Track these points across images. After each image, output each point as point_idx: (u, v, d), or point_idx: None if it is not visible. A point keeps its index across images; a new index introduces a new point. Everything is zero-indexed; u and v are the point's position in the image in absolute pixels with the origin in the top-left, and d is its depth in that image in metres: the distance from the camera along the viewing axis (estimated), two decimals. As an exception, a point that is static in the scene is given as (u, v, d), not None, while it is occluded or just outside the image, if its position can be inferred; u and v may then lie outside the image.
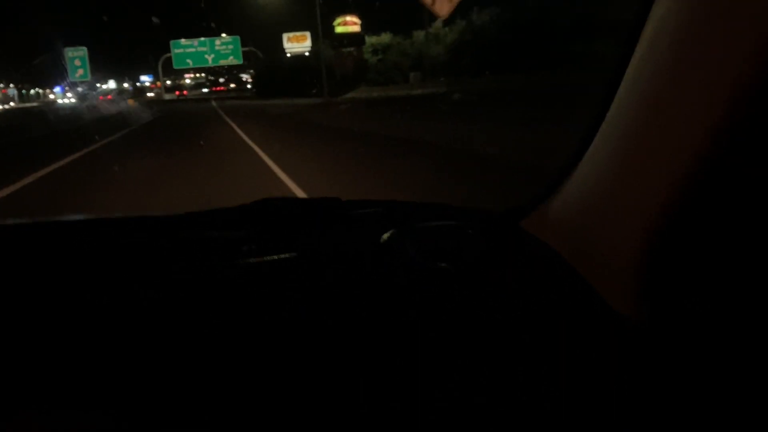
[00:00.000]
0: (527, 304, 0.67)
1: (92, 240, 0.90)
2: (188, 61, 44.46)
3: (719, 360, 0.54)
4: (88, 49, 44.84)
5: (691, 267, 0.56)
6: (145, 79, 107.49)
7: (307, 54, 40.60)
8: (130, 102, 44.61)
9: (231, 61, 47.46)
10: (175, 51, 43.64)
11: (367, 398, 0.55)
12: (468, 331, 0.63)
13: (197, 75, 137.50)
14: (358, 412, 0.54)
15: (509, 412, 0.54)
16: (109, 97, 54.51)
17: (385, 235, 0.84)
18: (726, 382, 0.53)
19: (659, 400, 0.54)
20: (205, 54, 44.53)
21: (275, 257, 0.80)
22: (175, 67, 47.33)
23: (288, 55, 41.96)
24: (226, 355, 0.60)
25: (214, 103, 34.68)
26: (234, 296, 0.71)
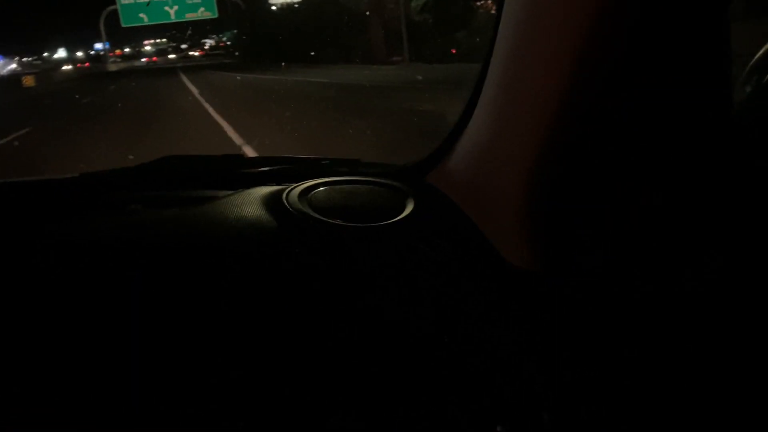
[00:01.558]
0: (430, 257, 0.69)
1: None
2: (142, 15, 31.73)
3: (612, 309, 0.57)
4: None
5: (573, 219, 0.59)
6: (100, 47, 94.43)
7: (297, 5, 30.65)
8: (27, 82, 27.67)
9: (202, 14, 32.72)
10: (123, 1, 30.51)
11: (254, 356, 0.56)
12: (368, 286, 0.64)
13: (159, 40, 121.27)
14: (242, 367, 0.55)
15: (409, 365, 0.56)
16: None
17: (284, 192, 0.82)
18: (618, 329, 0.56)
19: (554, 348, 0.57)
20: (166, 5, 31.24)
21: (161, 216, 0.80)
22: (124, 24, 32.32)
23: (273, 7, 33.09)
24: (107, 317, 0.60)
25: (185, 80, 20.73)
26: (115, 258, 0.69)
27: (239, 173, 0.97)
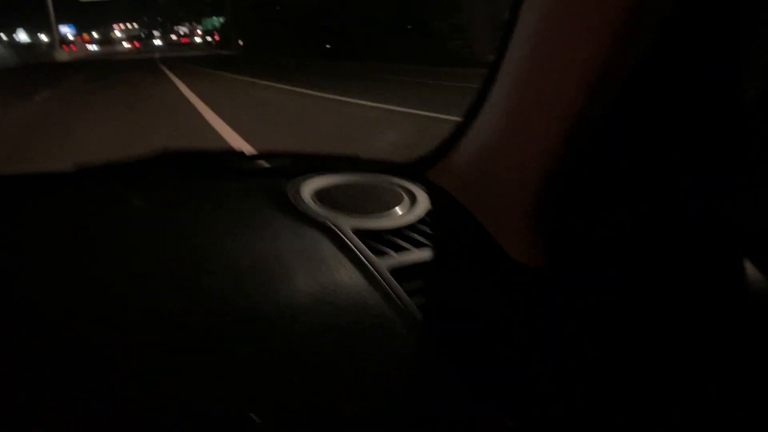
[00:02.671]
0: (434, 255, 0.70)
1: None
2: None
3: (615, 307, 0.58)
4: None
5: (579, 214, 0.60)
6: (66, 31, 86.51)
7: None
8: None
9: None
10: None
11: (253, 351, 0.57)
12: (373, 279, 0.66)
13: (129, 26, 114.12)
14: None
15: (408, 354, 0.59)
16: None
17: (289, 186, 0.84)
18: (622, 327, 0.58)
19: (559, 343, 0.59)
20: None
21: (167, 215, 0.81)
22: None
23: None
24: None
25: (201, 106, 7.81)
26: (119, 252, 0.71)
27: (239, 168, 0.97)
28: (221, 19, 52.77)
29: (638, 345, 0.57)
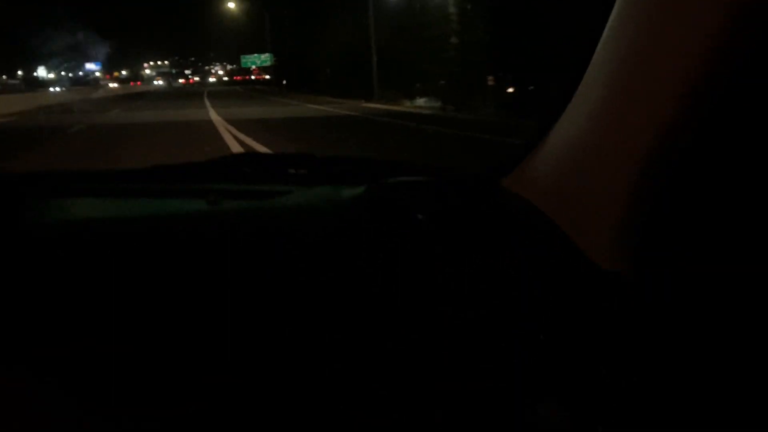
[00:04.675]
0: (511, 261, 0.69)
1: (57, 191, 0.95)
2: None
3: (703, 319, 0.57)
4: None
5: (676, 223, 0.59)
6: (92, 68, 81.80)
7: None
8: None
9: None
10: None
11: (342, 356, 0.59)
12: (448, 289, 0.65)
13: (160, 63, 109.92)
14: (331, 370, 0.58)
15: (492, 372, 0.59)
16: None
17: (361, 189, 0.85)
18: (710, 342, 0.57)
19: (646, 354, 0.58)
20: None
21: (238, 206, 0.85)
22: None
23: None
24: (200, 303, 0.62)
25: None
26: (205, 246, 0.72)
27: (309, 172, 0.98)
28: (262, 57, 51.02)
29: (729, 358, 0.55)
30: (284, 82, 35.83)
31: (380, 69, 20.17)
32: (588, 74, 0.64)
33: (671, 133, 0.52)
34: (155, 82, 74.86)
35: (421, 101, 17.65)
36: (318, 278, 0.64)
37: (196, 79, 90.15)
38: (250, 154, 1.21)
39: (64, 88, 39.02)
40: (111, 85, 60.06)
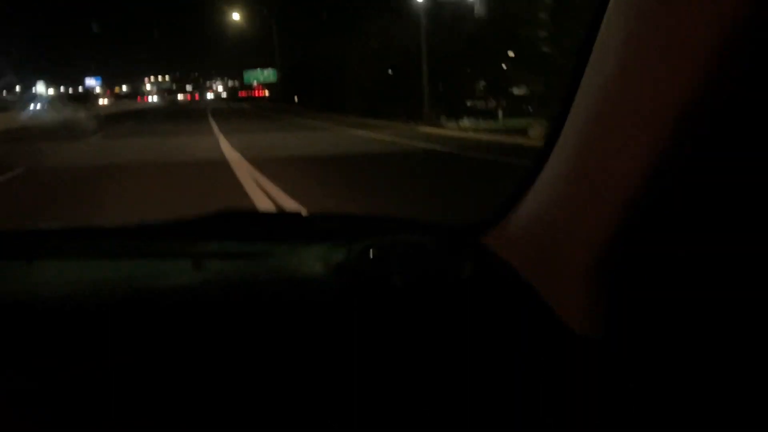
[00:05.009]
0: (483, 325, 0.70)
1: (50, 249, 0.97)
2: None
3: (680, 377, 0.58)
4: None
5: (650, 284, 0.58)
6: (92, 84, 79.19)
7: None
8: None
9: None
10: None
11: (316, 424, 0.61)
12: (423, 353, 0.66)
13: (161, 78, 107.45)
14: None
15: None
16: None
17: (344, 249, 0.87)
18: (687, 398, 0.58)
19: (618, 418, 0.59)
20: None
21: (223, 268, 0.87)
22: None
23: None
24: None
25: None
26: (188, 309, 0.74)
27: (295, 230, 1.01)
28: (265, 72, 50.51)
29: (703, 421, 0.56)
30: (296, 98, 32.01)
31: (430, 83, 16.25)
32: (562, 137, 0.64)
33: (642, 200, 0.52)
34: (151, 98, 70.54)
35: (484, 123, 14.12)
36: (295, 345, 0.65)
37: (205, 95, 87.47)
38: (237, 213, 0.97)
39: (39, 106, 34.52)
40: (101, 101, 57.51)
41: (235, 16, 43.01)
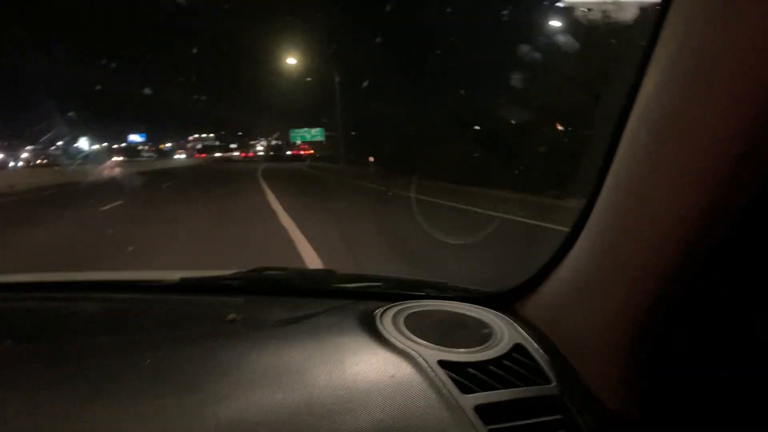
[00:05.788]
0: (514, 394, 0.69)
1: (85, 300, 1.02)
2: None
3: None
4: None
5: (687, 359, 0.58)
6: (135, 139, 77.74)
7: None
8: None
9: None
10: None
11: None
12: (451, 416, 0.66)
13: (204, 135, 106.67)
14: None
15: None
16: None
17: (378, 312, 0.86)
18: None
19: None
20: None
21: (260, 332, 0.87)
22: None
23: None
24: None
25: None
26: (214, 362, 0.75)
27: (331, 288, 1.02)
28: (312, 131, 48.70)
29: None
30: (371, 159, 24.78)
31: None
32: (597, 208, 0.64)
33: (675, 278, 0.51)
34: (176, 157, 61.67)
35: None
36: (307, 398, 0.65)
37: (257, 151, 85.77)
38: (271, 268, 1.03)
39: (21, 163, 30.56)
40: (112, 159, 48.58)
41: (291, 61, 37.85)
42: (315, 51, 39.16)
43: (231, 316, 0.87)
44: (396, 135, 21.80)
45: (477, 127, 16.28)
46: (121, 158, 45.60)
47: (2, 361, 0.74)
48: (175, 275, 1.03)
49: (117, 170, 28.51)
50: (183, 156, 68.09)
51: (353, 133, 30.73)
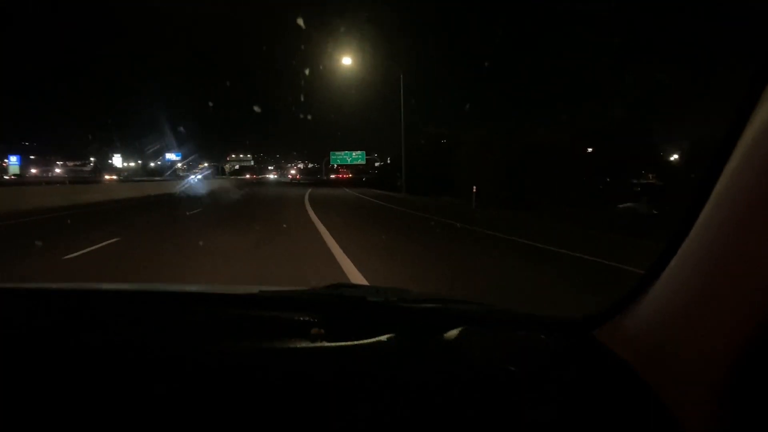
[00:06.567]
0: (595, 421, 0.68)
1: (169, 311, 1.04)
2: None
3: None
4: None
5: None
6: (171, 158, 75.03)
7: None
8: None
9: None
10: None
11: None
12: None
13: (242, 155, 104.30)
14: None
15: None
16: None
17: (453, 332, 0.87)
18: None
19: None
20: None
21: (341, 344, 0.88)
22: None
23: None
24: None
25: None
26: (298, 377, 0.78)
27: (404, 307, 1.02)
28: (353, 154, 48.01)
29: None
30: (474, 189, 17.13)
31: None
32: (690, 239, 0.62)
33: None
34: (192, 177, 49.19)
35: None
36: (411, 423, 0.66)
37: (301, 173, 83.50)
38: (346, 285, 1.10)
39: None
40: (106, 177, 43.58)
41: (346, 61, 30.58)
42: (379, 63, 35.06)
43: (314, 330, 0.89)
44: (499, 160, 16.76)
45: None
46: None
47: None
48: (253, 289, 1.06)
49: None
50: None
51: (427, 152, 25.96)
